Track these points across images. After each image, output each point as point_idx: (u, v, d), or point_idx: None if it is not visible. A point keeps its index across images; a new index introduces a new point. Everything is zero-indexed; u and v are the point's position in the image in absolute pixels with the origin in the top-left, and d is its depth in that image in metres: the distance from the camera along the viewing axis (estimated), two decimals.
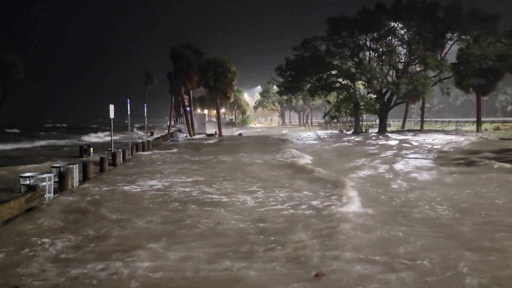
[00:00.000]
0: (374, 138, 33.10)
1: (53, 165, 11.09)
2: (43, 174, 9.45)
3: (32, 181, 9.02)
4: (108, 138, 25.40)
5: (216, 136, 42.20)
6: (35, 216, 7.80)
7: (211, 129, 49.34)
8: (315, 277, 4.56)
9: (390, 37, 40.29)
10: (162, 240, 6.20)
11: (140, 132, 36.25)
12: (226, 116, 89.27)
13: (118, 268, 5.03)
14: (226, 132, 46.67)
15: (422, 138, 30.60)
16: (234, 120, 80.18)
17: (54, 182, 9.78)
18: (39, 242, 6.16)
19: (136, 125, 67.92)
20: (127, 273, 4.87)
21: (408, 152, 20.54)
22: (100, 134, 48.22)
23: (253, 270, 4.86)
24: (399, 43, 40.34)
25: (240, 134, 42.95)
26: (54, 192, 9.59)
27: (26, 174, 9.47)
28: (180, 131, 43.76)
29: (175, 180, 12.31)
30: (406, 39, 39.44)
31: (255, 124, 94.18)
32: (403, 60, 41.14)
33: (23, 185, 9.09)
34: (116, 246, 5.95)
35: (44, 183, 9.13)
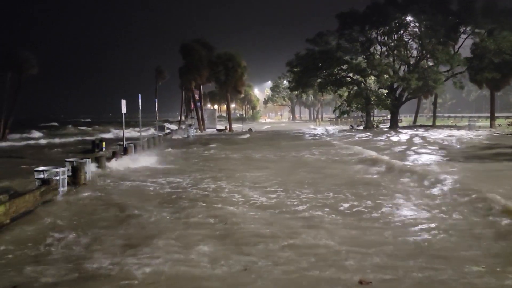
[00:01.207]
0: (387, 133, 32.88)
1: (66, 160, 11.26)
2: (57, 168, 9.62)
3: (46, 175, 9.19)
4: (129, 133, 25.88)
5: (227, 131, 42.28)
6: (48, 209, 7.95)
7: (221, 124, 49.46)
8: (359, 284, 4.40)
9: (401, 31, 39.83)
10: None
11: (152, 130, 36.58)
12: (236, 111, 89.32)
13: (125, 260, 5.13)
14: (236, 127, 46.74)
15: (435, 133, 30.31)
16: (244, 115, 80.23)
17: (68, 176, 9.95)
18: (53, 235, 6.30)
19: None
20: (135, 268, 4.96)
21: (422, 146, 20.39)
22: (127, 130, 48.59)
23: None
24: (411, 37, 39.85)
25: (250, 130, 42.92)
26: (68, 186, 9.76)
27: (40, 168, 9.63)
28: (190, 126, 43.96)
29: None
30: (418, 33, 38.94)
31: (265, 119, 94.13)
32: (414, 55, 40.66)
33: (37, 179, 9.25)
34: (124, 240, 6.06)
35: (58, 177, 9.30)
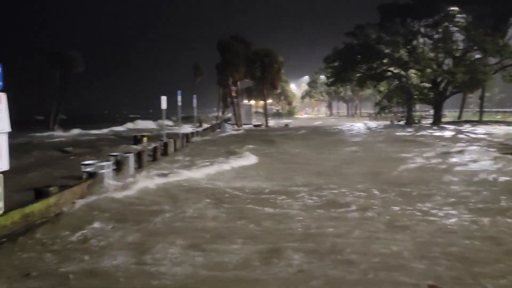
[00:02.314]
0: (429, 129, 31.72)
1: (110, 154, 11.66)
2: (102, 162, 9.99)
3: (92, 169, 9.56)
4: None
5: (263, 127, 42.34)
6: (95, 202, 8.26)
7: (258, 120, 49.60)
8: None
9: (446, 23, 38.14)
10: None
11: (188, 125, 37.80)
12: (273, 106, 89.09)
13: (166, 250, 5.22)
14: (273, 122, 46.75)
15: (491, 129, 28.84)
16: (280, 111, 79.93)
17: (112, 169, 10.31)
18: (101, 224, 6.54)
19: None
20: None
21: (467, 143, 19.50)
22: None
23: None
24: (457, 28, 38.09)
25: (286, 125, 42.73)
26: (112, 179, 10.10)
27: (87, 162, 10.03)
28: (227, 121, 44.42)
29: None
30: (464, 24, 37.15)
31: (301, 115, 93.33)
32: (460, 47, 38.86)
33: (84, 172, 9.64)
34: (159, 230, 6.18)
35: (103, 171, 9.65)
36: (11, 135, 6.02)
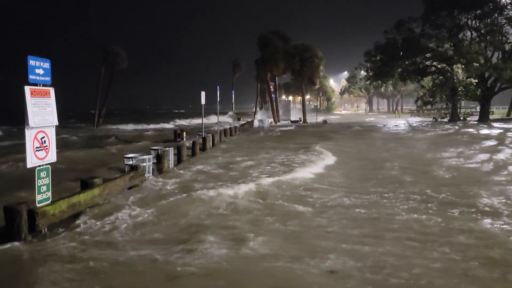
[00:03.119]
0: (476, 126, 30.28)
1: (152, 148, 12.03)
2: (144, 155, 10.33)
3: (134, 162, 9.91)
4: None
5: (301, 122, 42.05)
6: (136, 194, 8.57)
7: (295, 116, 49.30)
8: None
9: (495, 15, 36.05)
10: None
11: (229, 119, 38.27)
12: (311, 102, 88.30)
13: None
14: (310, 119, 46.31)
15: None
16: (318, 107, 79.04)
17: (153, 163, 10.64)
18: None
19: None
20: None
21: None
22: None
23: None
24: (507, 21, 35.91)
25: (324, 122, 42.16)
26: (152, 173, 10.44)
27: (129, 155, 10.42)
28: (265, 117, 44.46)
29: None
30: None
31: (340, 111, 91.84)
32: (510, 41, 36.65)
33: (126, 165, 10.02)
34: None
35: (145, 164, 9.98)
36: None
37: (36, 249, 5.27)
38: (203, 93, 17.56)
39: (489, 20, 36.14)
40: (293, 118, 46.54)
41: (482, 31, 36.80)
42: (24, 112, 5.60)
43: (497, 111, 54.60)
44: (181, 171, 11.40)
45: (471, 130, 26.71)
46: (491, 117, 40.23)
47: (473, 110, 49.50)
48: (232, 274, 4.49)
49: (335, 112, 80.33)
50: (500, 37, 36.06)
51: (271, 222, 6.41)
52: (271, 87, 46.17)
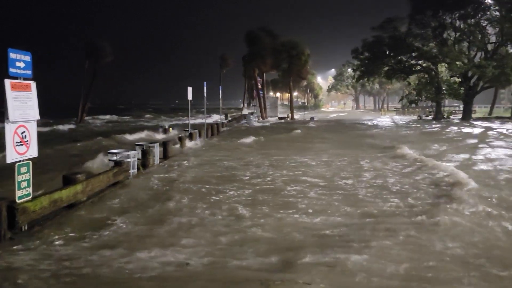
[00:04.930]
0: (458, 124, 30.81)
1: (137, 143, 11.90)
2: (128, 151, 10.20)
3: (118, 157, 9.78)
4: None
5: (288, 119, 42.14)
6: (120, 190, 8.47)
7: (283, 113, 49.39)
8: None
9: (478, 16, 36.67)
10: None
11: (216, 115, 38.15)
12: (298, 99, 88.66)
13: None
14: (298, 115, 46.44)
15: None
16: (306, 104, 79.42)
17: (138, 159, 10.52)
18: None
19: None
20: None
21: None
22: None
23: None
24: (489, 22, 36.56)
25: (311, 118, 42.29)
26: (138, 169, 10.32)
27: (114, 151, 10.28)
28: (252, 114, 44.44)
29: None
30: (498, 17, 35.59)
31: (327, 108, 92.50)
32: (492, 41, 37.32)
33: (110, 160, 9.88)
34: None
35: (129, 159, 9.86)
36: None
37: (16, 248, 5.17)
38: (189, 89, 17.44)
39: (472, 20, 36.74)
40: (280, 115, 46.61)
41: (466, 31, 37.40)
42: (4, 106, 5.47)
43: (479, 110, 55.62)
44: (166, 167, 11.34)
45: (455, 128, 27.17)
46: (473, 115, 41.01)
47: (456, 109, 50.39)
48: None
49: (322, 109, 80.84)
50: (482, 37, 36.70)
51: None
52: (258, 83, 46.15)
